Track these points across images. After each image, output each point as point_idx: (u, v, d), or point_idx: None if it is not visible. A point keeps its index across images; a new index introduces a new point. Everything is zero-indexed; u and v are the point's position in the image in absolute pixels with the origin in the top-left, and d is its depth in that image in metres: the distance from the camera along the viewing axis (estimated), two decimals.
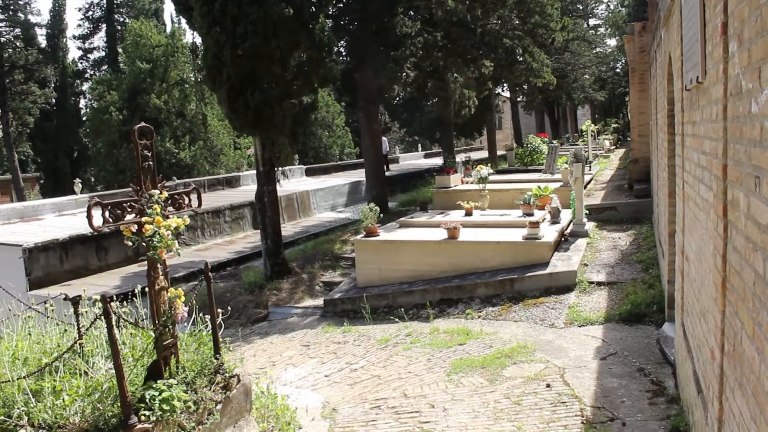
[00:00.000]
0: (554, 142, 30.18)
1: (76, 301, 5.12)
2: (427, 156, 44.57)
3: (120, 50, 44.50)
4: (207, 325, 5.33)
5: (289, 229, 20.33)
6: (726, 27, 2.88)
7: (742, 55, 2.50)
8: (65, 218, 18.83)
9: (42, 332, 5.17)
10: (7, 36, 43.01)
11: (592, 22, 56.56)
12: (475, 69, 23.12)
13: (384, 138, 34.52)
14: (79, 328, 4.84)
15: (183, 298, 4.56)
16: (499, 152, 35.84)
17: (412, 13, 20.89)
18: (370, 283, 12.16)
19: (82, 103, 51.14)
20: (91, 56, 51.79)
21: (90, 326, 4.47)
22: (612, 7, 58.23)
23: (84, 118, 47.09)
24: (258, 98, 13.19)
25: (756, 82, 2.24)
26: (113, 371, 4.12)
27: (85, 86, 50.26)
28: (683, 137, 5.35)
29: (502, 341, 8.39)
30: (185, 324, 5.30)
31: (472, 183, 16.79)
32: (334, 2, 19.84)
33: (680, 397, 5.83)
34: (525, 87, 38.21)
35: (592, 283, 10.28)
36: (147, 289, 4.54)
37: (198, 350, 5.14)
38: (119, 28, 48.81)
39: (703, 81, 3.77)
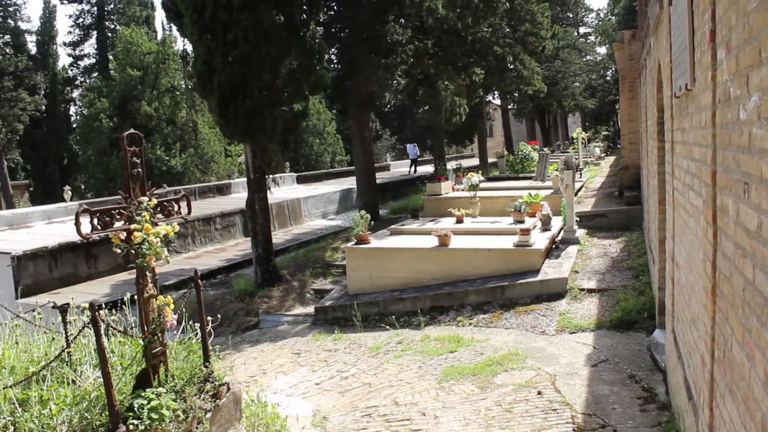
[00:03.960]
0: (545, 149, 30.33)
1: (64, 309, 5.07)
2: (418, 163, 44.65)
3: (110, 57, 44.32)
4: (197, 333, 5.29)
5: (279, 236, 20.29)
6: (714, 34, 2.89)
7: (730, 62, 2.51)
8: (54, 226, 18.70)
9: (30, 341, 5.12)
10: None
11: (582, 30, 57.01)
12: (466, 76, 23.20)
13: (412, 144, 37.56)
14: (67, 337, 4.80)
15: (172, 306, 4.53)
16: (490, 159, 35.91)
17: (403, 21, 20.95)
18: (361, 291, 12.13)
19: (72, 110, 50.92)
20: (82, 63, 51.61)
21: (78, 334, 4.43)
22: (602, 15, 58.79)
23: (74, 126, 46.85)
24: (248, 105, 13.17)
25: (744, 89, 2.24)
26: (101, 380, 4.07)
27: (76, 93, 50.05)
28: (673, 144, 5.38)
29: (493, 348, 8.39)
30: (175, 332, 5.26)
31: (463, 190, 16.82)
32: (325, 9, 19.90)
33: (671, 403, 5.83)
34: (516, 94, 38.40)
35: (583, 290, 10.30)
36: (136, 296, 4.51)
37: (187, 358, 5.10)
38: (110, 35, 48.64)
39: (692, 88, 3.79)
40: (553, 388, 6.75)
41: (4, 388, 4.11)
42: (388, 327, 10.37)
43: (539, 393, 6.64)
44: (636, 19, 20.69)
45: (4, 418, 3.96)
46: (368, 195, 21.77)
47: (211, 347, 5.14)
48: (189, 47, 18.95)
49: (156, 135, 35.66)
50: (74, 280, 15.47)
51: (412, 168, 37.52)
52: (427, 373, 7.76)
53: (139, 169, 4.53)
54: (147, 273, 4.45)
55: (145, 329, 4.43)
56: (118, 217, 4.30)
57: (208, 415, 4.68)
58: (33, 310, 5.34)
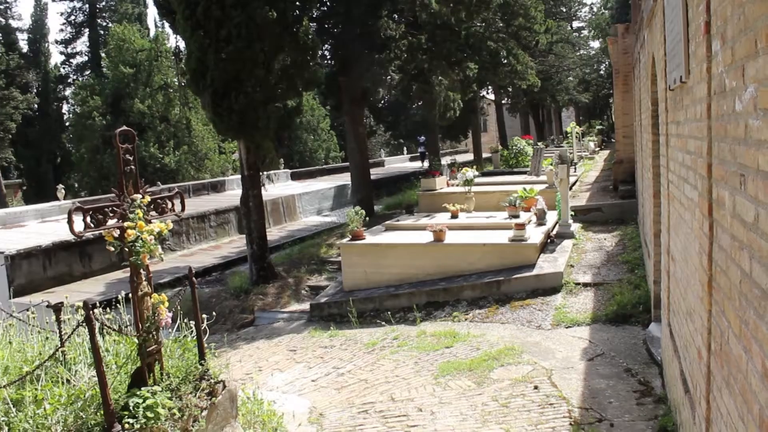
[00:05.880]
0: (539, 144, 30.33)
1: (58, 308, 5.04)
2: (412, 159, 44.69)
3: (103, 55, 44.17)
4: (192, 331, 5.27)
5: (274, 233, 20.26)
6: (709, 26, 2.88)
7: (726, 53, 2.50)
8: (48, 224, 18.62)
9: (23, 340, 5.08)
10: None
11: (575, 24, 56.97)
12: (460, 71, 23.17)
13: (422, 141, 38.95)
14: (61, 336, 4.77)
15: (167, 304, 4.50)
16: (485, 154, 35.93)
17: (397, 16, 20.87)
18: (356, 287, 12.12)
19: (65, 108, 50.84)
20: (74, 61, 51.44)
21: (72, 333, 4.40)
22: (595, 9, 58.81)
23: (67, 124, 46.69)
24: (242, 102, 13.11)
25: (740, 80, 2.23)
26: (96, 379, 4.05)
27: (68, 91, 49.92)
28: (667, 137, 5.37)
29: (489, 343, 8.39)
30: (170, 330, 5.24)
31: (457, 185, 16.80)
32: (318, 5, 19.82)
33: (667, 396, 5.84)
34: (510, 89, 38.35)
35: (578, 284, 10.31)
36: (130, 295, 4.48)
37: (183, 356, 5.07)
38: (102, 32, 48.49)
39: (686, 81, 3.78)
40: (550, 383, 6.76)
41: None
42: (383, 323, 10.36)
43: (536, 387, 6.64)
44: (629, 12, 20.70)
45: None
46: (363, 191, 21.75)
47: (206, 345, 5.12)
48: (182, 44, 18.89)
49: (149, 132, 35.55)
50: (68, 278, 15.41)
51: (424, 162, 38.71)
52: (424, 369, 7.76)
53: (133, 167, 4.50)
54: (141, 271, 4.42)
55: (140, 327, 4.40)
56: (111, 215, 4.27)
57: (204, 413, 4.67)
58: (27, 310, 5.30)
